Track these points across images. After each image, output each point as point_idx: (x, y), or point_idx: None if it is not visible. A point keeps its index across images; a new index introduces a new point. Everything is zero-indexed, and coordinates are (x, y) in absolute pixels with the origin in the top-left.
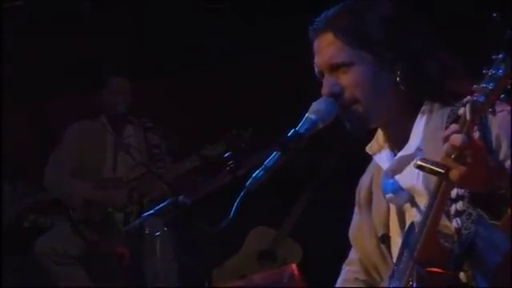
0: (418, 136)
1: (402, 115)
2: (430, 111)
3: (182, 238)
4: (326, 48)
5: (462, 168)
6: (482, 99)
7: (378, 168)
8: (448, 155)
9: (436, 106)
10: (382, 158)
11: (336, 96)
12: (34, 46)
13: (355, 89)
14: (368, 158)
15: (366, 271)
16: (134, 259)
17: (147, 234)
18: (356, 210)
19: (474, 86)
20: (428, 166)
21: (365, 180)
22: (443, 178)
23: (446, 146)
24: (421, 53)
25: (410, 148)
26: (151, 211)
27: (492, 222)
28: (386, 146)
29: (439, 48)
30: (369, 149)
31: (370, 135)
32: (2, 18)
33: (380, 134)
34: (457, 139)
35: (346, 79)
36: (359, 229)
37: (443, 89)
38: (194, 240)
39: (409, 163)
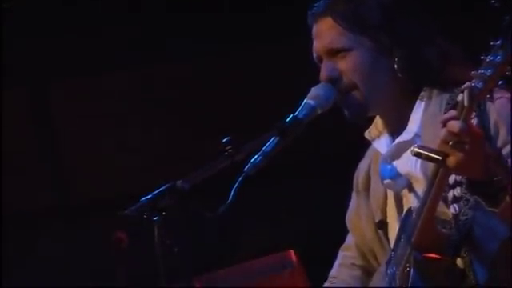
0: (417, 122)
1: (401, 101)
2: (429, 97)
3: (180, 222)
4: (325, 33)
5: (460, 155)
6: (479, 85)
7: (377, 153)
8: (445, 141)
9: (434, 92)
10: (381, 143)
11: (334, 81)
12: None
13: (353, 74)
14: (366, 144)
15: (363, 256)
16: (133, 244)
17: (145, 218)
18: (353, 195)
19: (472, 73)
20: (425, 152)
21: (363, 165)
22: (440, 164)
23: (444, 132)
24: (419, 39)
25: (408, 134)
26: (149, 196)
27: (490, 209)
28: (385, 131)
29: (438, 35)
30: (368, 134)
31: (369, 121)
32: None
33: (379, 119)
34: (454, 126)
35: (345, 64)
36: (357, 214)
37: (442, 75)
38: (192, 225)
39: (407, 149)
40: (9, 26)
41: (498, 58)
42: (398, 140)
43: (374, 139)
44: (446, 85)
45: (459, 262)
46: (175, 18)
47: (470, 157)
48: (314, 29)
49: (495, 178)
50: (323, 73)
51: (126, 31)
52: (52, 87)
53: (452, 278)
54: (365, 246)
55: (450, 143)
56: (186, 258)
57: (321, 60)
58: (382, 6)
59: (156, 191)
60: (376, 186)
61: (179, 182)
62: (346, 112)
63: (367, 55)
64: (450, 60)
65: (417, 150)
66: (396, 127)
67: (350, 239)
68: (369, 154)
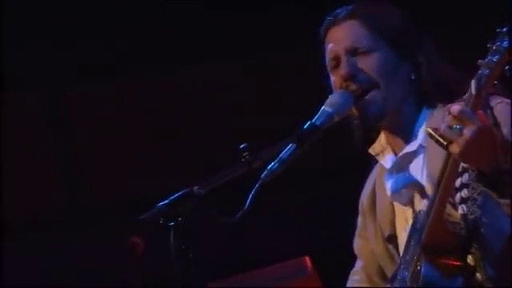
0: (421, 133)
1: (408, 112)
2: (432, 110)
3: (196, 228)
4: (350, 33)
5: (461, 141)
6: (486, 72)
7: (381, 169)
8: (449, 126)
9: (437, 105)
10: (385, 158)
11: (353, 77)
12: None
13: (374, 73)
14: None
15: (369, 279)
16: (148, 249)
17: (161, 224)
18: (359, 219)
19: (479, 61)
20: (435, 135)
21: (368, 185)
22: (445, 149)
23: (448, 116)
24: (433, 53)
25: (412, 146)
26: (166, 201)
27: (501, 200)
28: (389, 147)
29: (441, 52)
30: (372, 150)
31: (373, 138)
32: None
33: (383, 135)
34: (455, 108)
35: (366, 62)
36: (362, 237)
37: (448, 89)
38: (208, 230)
39: (412, 160)
40: (23, 29)
41: (505, 43)
42: (403, 152)
43: (378, 154)
44: (448, 97)
45: (470, 259)
46: (189, 21)
47: (473, 143)
48: (334, 31)
49: (503, 165)
50: (344, 68)
51: (140, 36)
52: (67, 90)
53: (463, 274)
54: (372, 266)
55: (454, 127)
56: (201, 264)
57: (337, 63)
58: (403, 18)
59: (172, 197)
60: (382, 201)
61: (196, 188)
62: (362, 113)
63: (389, 58)
64: (454, 76)
65: (429, 130)
66: (399, 140)
67: (358, 265)
68: (372, 174)
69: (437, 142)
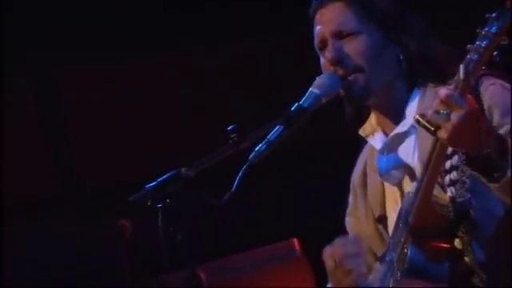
0: (412, 114)
1: (398, 92)
2: (423, 91)
3: (184, 210)
4: (336, 15)
5: (449, 126)
6: (474, 58)
7: (372, 150)
8: (436, 111)
9: (429, 85)
10: (376, 139)
11: (339, 61)
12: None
13: (360, 56)
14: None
15: None
16: (136, 231)
17: (149, 205)
18: (350, 198)
19: (468, 46)
20: (423, 121)
21: (358, 165)
22: (433, 135)
23: (435, 101)
24: (423, 34)
25: (404, 126)
26: (154, 183)
27: (490, 184)
28: (379, 128)
29: (434, 33)
30: (362, 131)
31: (363, 119)
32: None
33: (373, 116)
34: (442, 92)
35: (352, 46)
36: (353, 216)
37: (439, 70)
38: (196, 212)
39: (403, 141)
40: (14, 13)
41: (493, 28)
42: (394, 132)
43: (368, 136)
44: (440, 78)
45: (457, 242)
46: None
47: (460, 128)
48: (321, 14)
49: (487, 150)
50: (329, 52)
51: (132, 20)
52: (58, 75)
53: (450, 257)
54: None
55: (441, 112)
56: (190, 246)
57: (324, 45)
58: (392, 1)
59: (160, 178)
60: (373, 182)
61: (184, 170)
62: (347, 94)
63: (375, 40)
64: (447, 56)
65: (417, 117)
66: (389, 121)
67: None
68: (363, 154)
69: (424, 127)
